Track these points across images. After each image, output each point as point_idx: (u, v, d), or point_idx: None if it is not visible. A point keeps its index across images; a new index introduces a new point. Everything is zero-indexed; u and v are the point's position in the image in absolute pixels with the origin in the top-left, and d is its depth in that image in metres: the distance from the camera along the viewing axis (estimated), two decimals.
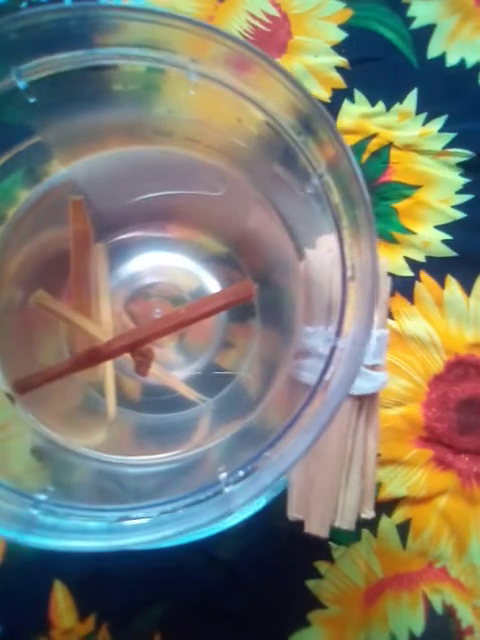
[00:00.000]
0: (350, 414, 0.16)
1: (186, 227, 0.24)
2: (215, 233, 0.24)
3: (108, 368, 0.20)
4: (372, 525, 0.25)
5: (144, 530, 0.11)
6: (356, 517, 0.17)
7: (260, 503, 0.20)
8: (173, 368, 0.23)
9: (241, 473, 0.12)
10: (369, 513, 0.17)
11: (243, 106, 0.15)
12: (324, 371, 0.12)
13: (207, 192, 0.20)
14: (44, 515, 0.12)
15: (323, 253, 0.18)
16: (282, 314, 0.21)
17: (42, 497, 0.13)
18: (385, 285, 0.18)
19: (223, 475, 0.12)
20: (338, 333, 0.13)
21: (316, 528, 0.16)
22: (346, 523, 0.16)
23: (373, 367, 0.17)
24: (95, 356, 0.16)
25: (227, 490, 0.12)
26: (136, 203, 0.23)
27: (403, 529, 0.25)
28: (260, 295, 0.23)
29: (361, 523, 0.25)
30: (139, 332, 0.16)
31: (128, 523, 0.11)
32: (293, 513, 0.17)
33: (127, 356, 0.21)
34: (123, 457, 0.18)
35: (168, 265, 0.24)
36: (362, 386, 0.17)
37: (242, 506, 0.11)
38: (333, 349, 0.13)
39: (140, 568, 0.24)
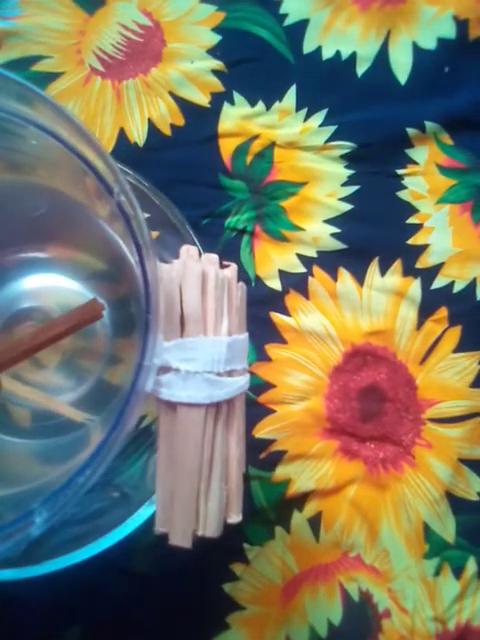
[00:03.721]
0: (205, 423, 0.17)
1: (65, 247, 0.24)
2: (93, 251, 0.24)
3: None
4: (285, 522, 0.25)
5: None
6: (221, 524, 0.17)
7: (145, 514, 0.20)
8: (63, 391, 0.23)
9: (54, 501, 0.12)
10: (235, 517, 0.17)
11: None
12: (133, 387, 0.12)
13: (32, 213, 0.20)
14: None
15: (177, 264, 0.18)
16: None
17: None
18: (236, 291, 0.18)
19: (37, 505, 0.12)
20: (143, 350, 0.13)
21: (179, 539, 0.16)
22: (210, 530, 0.16)
23: (229, 373, 0.17)
24: None
25: (38, 520, 0.12)
26: (9, 227, 0.23)
27: (315, 522, 0.25)
28: (139, 308, 0.23)
29: (273, 521, 0.25)
30: None
31: None
32: (159, 527, 0.17)
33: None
34: None
35: (50, 286, 0.24)
36: (215, 394, 0.17)
37: (42, 530, 0.11)
38: (139, 367, 0.13)
39: (55, 591, 0.24)
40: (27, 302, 0.23)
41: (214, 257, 0.19)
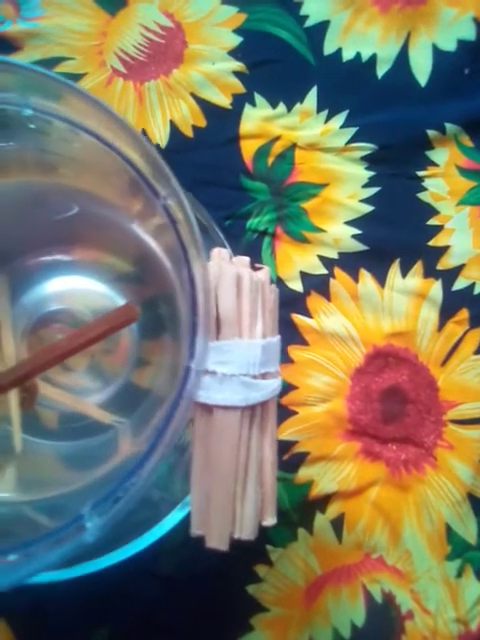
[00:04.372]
0: (241, 425, 0.17)
1: (90, 249, 0.24)
2: (119, 253, 0.24)
3: (12, 400, 0.20)
4: (307, 524, 0.25)
5: (4, 574, 0.11)
6: (256, 526, 0.17)
7: (178, 516, 0.20)
8: (91, 393, 0.23)
9: (105, 505, 0.12)
10: (271, 520, 0.17)
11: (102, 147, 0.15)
12: (180, 393, 0.13)
13: (57, 215, 0.20)
14: None
15: (211, 266, 0.18)
16: (181, 329, 0.21)
17: None
18: (270, 293, 0.18)
19: (86, 509, 0.12)
20: (192, 354, 0.13)
21: (216, 542, 0.16)
22: (246, 533, 0.16)
23: (263, 376, 0.17)
24: None
25: (89, 525, 0.12)
26: (34, 230, 0.23)
27: (337, 524, 0.25)
28: (168, 310, 0.23)
29: (296, 523, 0.25)
30: (23, 367, 0.16)
31: None
32: (195, 530, 0.17)
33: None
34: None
35: (76, 288, 0.24)
36: (251, 397, 0.17)
37: (97, 539, 0.11)
38: (188, 370, 0.13)
39: (82, 594, 0.24)
40: (53, 305, 0.23)
41: (246, 259, 0.19)
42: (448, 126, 0.28)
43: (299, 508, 0.25)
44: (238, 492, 0.17)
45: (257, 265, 0.18)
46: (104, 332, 0.17)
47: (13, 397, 0.20)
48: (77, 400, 0.22)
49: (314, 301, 0.27)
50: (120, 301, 0.24)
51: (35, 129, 0.16)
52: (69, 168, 0.22)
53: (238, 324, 0.17)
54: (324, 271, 0.27)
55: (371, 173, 0.28)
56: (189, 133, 0.28)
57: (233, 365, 0.17)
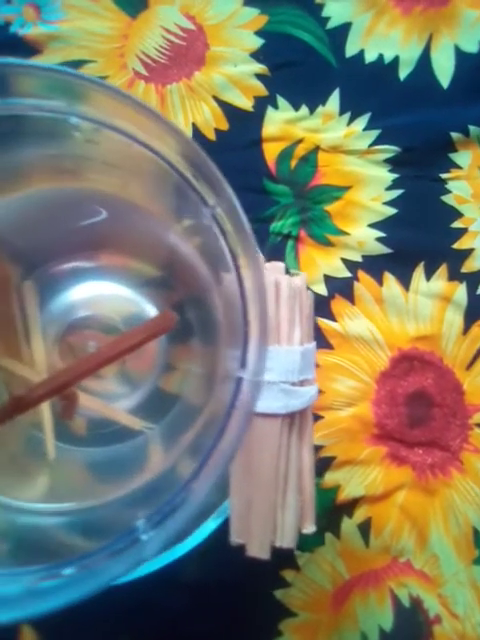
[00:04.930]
0: (281, 433, 0.17)
1: (117, 254, 0.24)
2: (146, 257, 0.24)
3: (44, 407, 0.20)
4: (334, 528, 0.25)
5: (64, 589, 0.11)
6: (297, 534, 0.17)
7: (211, 526, 0.20)
8: (118, 398, 0.23)
9: (158, 517, 0.12)
10: (310, 528, 0.17)
11: (138, 149, 0.15)
12: (232, 405, 0.12)
13: (83, 221, 0.20)
14: None
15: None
16: (218, 334, 0.21)
17: None
18: (306, 299, 0.18)
19: (141, 522, 0.12)
20: (243, 364, 0.13)
21: (257, 551, 0.16)
22: (287, 542, 0.16)
23: (302, 383, 0.17)
24: (19, 405, 0.16)
25: (144, 537, 0.12)
26: (61, 236, 0.23)
27: (365, 528, 0.25)
28: (197, 315, 0.23)
29: (323, 527, 0.25)
30: (60, 376, 0.16)
31: (47, 583, 0.11)
32: (235, 538, 0.17)
33: None
34: (44, 505, 0.18)
35: (104, 294, 0.24)
36: (290, 404, 0.17)
37: (156, 553, 0.11)
38: (239, 380, 0.13)
39: (106, 603, 0.24)
40: (82, 311, 0.23)
41: (281, 265, 0.19)
42: (471, 128, 0.28)
43: (326, 512, 0.25)
44: (278, 500, 0.17)
45: (293, 271, 0.18)
46: (142, 340, 0.17)
47: (45, 404, 0.20)
48: (106, 406, 0.21)
49: (338, 304, 0.27)
50: (148, 306, 0.24)
51: (76, 137, 0.16)
52: (97, 172, 0.21)
53: (277, 331, 0.17)
54: (348, 274, 0.27)
55: (394, 175, 0.28)
56: (211, 136, 0.28)
57: (273, 372, 0.17)
